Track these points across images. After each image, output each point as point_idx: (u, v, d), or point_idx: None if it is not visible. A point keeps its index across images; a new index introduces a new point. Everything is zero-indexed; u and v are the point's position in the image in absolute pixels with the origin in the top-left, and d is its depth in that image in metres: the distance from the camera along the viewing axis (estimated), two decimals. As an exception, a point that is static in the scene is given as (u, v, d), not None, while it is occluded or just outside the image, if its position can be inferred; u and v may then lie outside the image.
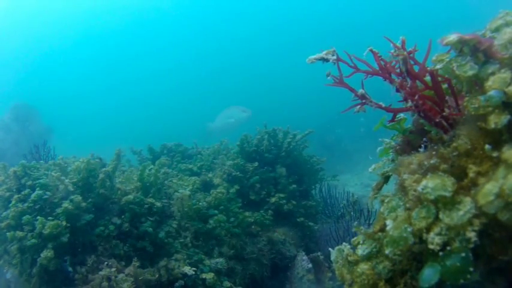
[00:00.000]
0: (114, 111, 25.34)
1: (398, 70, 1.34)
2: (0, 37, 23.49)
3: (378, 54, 1.38)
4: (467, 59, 1.17)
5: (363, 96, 1.42)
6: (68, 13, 26.74)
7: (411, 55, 1.34)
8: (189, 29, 28.43)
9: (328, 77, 1.44)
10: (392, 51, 1.37)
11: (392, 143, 1.57)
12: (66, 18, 27.07)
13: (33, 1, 25.29)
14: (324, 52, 1.43)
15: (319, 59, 1.43)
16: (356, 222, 1.42)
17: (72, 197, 3.37)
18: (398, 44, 1.34)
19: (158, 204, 3.67)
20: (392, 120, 1.49)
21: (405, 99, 1.34)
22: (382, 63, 1.38)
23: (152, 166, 3.89)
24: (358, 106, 1.44)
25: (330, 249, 1.50)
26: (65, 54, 28.28)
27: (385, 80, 1.37)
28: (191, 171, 5.17)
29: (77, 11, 27.09)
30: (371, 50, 1.38)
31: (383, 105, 1.43)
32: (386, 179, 1.58)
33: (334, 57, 1.42)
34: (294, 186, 4.88)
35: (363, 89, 1.42)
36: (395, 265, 1.22)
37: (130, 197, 3.55)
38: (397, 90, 1.34)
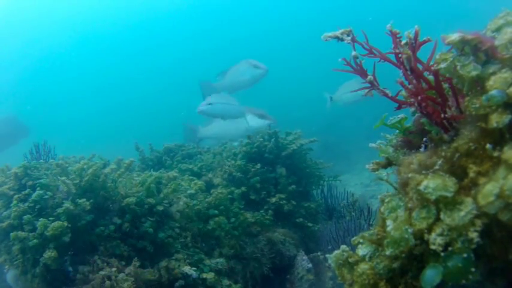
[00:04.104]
0: (113, 110, 25.33)
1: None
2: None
3: (398, 35, 1.33)
4: (470, 59, 1.16)
5: (371, 83, 1.41)
6: (67, 14, 26.75)
7: (421, 47, 1.31)
8: (189, 27, 28.42)
9: (341, 61, 1.40)
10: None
11: (394, 141, 1.56)
12: (65, 19, 27.07)
13: (30, 3, 25.26)
14: (340, 31, 1.39)
15: (334, 37, 1.39)
16: (361, 234, 1.40)
17: (78, 200, 3.36)
18: (411, 35, 1.31)
19: (160, 208, 3.66)
20: (399, 108, 1.47)
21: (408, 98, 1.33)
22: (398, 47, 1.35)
23: (159, 178, 3.87)
24: (366, 91, 1.44)
25: (326, 255, 1.49)
26: (64, 54, 28.30)
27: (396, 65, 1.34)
28: (192, 171, 5.17)
29: (76, 11, 27.10)
30: (390, 30, 1.35)
31: (389, 94, 1.42)
32: (387, 164, 1.56)
33: (350, 37, 1.38)
34: (293, 186, 4.88)
35: (374, 74, 1.41)
36: (396, 265, 1.22)
37: (133, 199, 3.55)
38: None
